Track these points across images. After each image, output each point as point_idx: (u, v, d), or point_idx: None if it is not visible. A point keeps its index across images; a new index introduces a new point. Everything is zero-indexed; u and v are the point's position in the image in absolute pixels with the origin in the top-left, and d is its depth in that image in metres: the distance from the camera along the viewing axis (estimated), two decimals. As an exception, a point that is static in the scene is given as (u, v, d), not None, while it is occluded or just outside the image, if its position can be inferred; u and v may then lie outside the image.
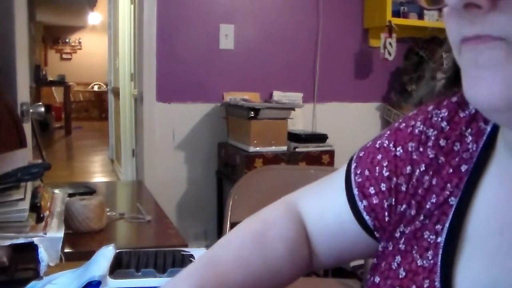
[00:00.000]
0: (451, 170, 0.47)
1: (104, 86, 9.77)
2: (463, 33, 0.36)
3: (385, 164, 0.52)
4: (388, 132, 0.55)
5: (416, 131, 0.51)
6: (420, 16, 2.98)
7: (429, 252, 0.45)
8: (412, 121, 0.52)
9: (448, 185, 0.46)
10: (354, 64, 3.06)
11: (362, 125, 3.11)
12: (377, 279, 0.50)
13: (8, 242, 1.07)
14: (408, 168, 0.50)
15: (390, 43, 2.88)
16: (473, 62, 0.36)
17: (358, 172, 0.54)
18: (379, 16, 2.89)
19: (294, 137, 2.52)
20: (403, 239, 0.49)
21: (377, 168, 0.53)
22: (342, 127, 2.98)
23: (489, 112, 0.38)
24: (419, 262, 0.46)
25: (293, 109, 2.51)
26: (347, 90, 3.06)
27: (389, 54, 2.89)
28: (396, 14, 2.90)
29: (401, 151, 0.51)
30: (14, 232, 1.10)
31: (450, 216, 0.45)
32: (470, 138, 0.47)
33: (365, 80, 3.10)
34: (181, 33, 2.63)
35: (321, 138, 2.58)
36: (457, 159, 0.47)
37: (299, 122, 2.83)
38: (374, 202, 0.52)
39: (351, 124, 3.05)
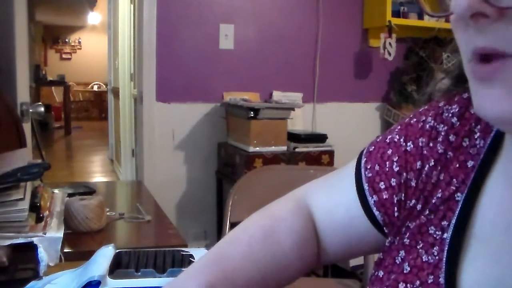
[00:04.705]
0: (457, 165, 0.47)
1: (104, 86, 9.77)
2: (474, 43, 0.35)
3: (395, 159, 0.52)
4: (399, 127, 0.54)
5: (427, 126, 0.51)
6: (420, 16, 2.98)
7: (435, 248, 0.45)
8: (423, 116, 0.52)
9: (454, 180, 0.46)
10: (354, 64, 3.06)
11: (362, 125, 3.11)
12: (380, 274, 0.50)
13: (7, 242, 1.07)
14: (418, 163, 0.50)
15: (390, 43, 2.88)
16: (483, 80, 0.36)
17: (368, 167, 0.54)
18: (379, 16, 2.89)
19: (294, 137, 2.52)
20: (407, 234, 0.49)
21: (387, 163, 0.53)
22: (342, 127, 2.99)
23: (499, 125, 0.39)
24: (424, 258, 0.46)
25: (292, 109, 2.51)
26: (347, 90, 3.06)
27: (389, 54, 2.89)
28: (396, 14, 2.90)
29: (412, 146, 0.51)
30: (13, 232, 1.10)
31: (457, 212, 0.45)
32: (478, 134, 0.47)
33: (365, 80, 3.10)
34: (181, 33, 2.63)
35: (321, 138, 2.58)
36: (464, 155, 0.47)
37: (298, 122, 2.83)
38: (384, 197, 0.52)
39: (351, 124, 3.05)
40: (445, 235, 0.45)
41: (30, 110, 1.80)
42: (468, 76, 0.39)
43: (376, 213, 0.53)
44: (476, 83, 0.37)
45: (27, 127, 1.77)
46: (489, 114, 0.36)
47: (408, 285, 0.46)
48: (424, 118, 0.52)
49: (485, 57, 0.35)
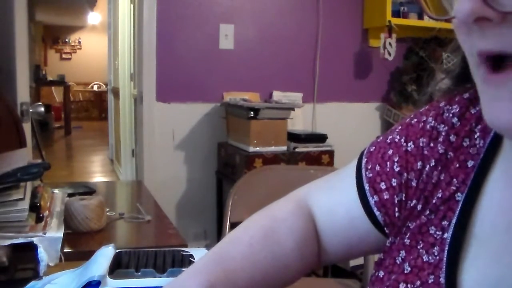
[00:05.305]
0: (458, 165, 0.47)
1: (104, 86, 9.77)
2: (478, 46, 0.35)
3: (396, 159, 0.52)
4: (400, 127, 0.54)
5: (428, 126, 0.51)
6: (420, 16, 2.98)
7: (435, 248, 0.45)
8: (424, 116, 0.52)
9: (455, 180, 0.46)
10: (354, 64, 3.06)
11: (362, 125, 3.11)
12: (381, 274, 0.50)
13: (7, 242, 1.07)
14: (419, 163, 0.50)
15: (390, 43, 2.88)
16: (493, 93, 0.36)
17: (369, 167, 0.54)
18: (379, 16, 2.89)
19: (294, 137, 2.52)
20: (408, 234, 0.49)
21: (388, 163, 0.53)
22: (342, 127, 2.99)
23: (508, 135, 0.39)
24: (425, 258, 0.46)
25: (292, 109, 2.51)
26: (347, 90, 3.06)
27: (389, 54, 2.89)
28: (396, 14, 2.90)
29: (412, 146, 0.51)
30: (13, 232, 1.10)
31: (457, 212, 0.45)
32: (478, 134, 0.47)
33: (365, 80, 3.10)
34: (181, 33, 2.63)
35: (321, 138, 2.58)
36: (464, 155, 0.47)
37: (298, 122, 2.83)
38: (385, 197, 0.52)
39: (351, 124, 3.05)
40: (445, 235, 0.45)
41: (30, 110, 1.80)
42: (477, 82, 0.38)
43: (377, 213, 0.53)
44: (487, 92, 0.37)
45: (27, 127, 1.77)
46: (502, 126, 0.36)
47: (408, 285, 0.46)
48: (424, 118, 0.52)
49: (494, 62, 0.35)
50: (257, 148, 2.38)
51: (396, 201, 0.51)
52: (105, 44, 6.31)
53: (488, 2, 0.32)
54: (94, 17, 9.73)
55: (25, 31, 1.83)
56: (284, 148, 2.45)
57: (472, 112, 0.48)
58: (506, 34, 0.33)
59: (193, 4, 2.64)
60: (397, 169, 0.52)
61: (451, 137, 0.48)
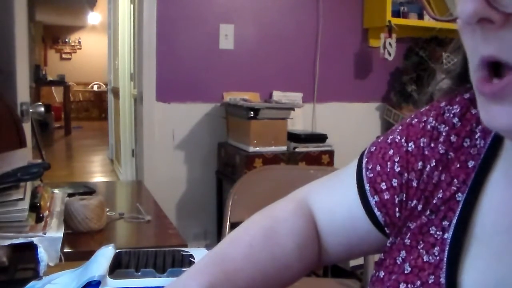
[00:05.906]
0: (458, 166, 0.47)
1: (104, 86, 9.77)
2: (480, 51, 0.35)
3: (396, 159, 0.52)
4: (400, 128, 0.54)
5: (428, 126, 0.51)
6: (420, 16, 2.98)
7: (436, 248, 0.46)
8: (425, 116, 0.52)
9: (455, 180, 0.47)
10: (354, 64, 3.06)
11: (362, 125, 3.11)
12: (381, 274, 0.50)
13: (7, 242, 1.07)
14: (420, 163, 0.50)
15: (390, 43, 2.88)
16: (493, 97, 0.36)
17: (370, 167, 0.54)
18: (379, 16, 2.89)
19: (294, 137, 2.52)
20: (408, 234, 0.49)
21: (388, 163, 0.53)
22: (342, 127, 2.99)
23: (508, 136, 0.39)
24: (425, 258, 0.46)
25: (292, 109, 2.51)
26: (347, 90, 3.06)
27: (389, 54, 2.89)
28: (396, 14, 2.90)
29: (413, 146, 0.51)
30: (13, 232, 1.10)
31: (458, 212, 0.45)
32: (478, 134, 0.47)
33: (365, 80, 3.10)
34: (181, 33, 2.63)
35: (321, 138, 2.58)
36: (465, 155, 0.47)
37: (298, 122, 2.83)
38: (385, 197, 0.52)
39: (350, 124, 3.05)
40: (446, 235, 0.45)
41: (30, 110, 1.80)
42: (474, 88, 0.38)
43: (377, 213, 0.53)
44: (484, 99, 0.37)
45: (27, 127, 1.77)
46: (499, 128, 0.37)
47: (409, 285, 0.46)
48: (425, 119, 0.52)
49: (492, 68, 0.35)
50: (257, 148, 2.38)
51: (396, 201, 0.51)
52: (105, 44, 6.30)
53: (491, 3, 0.32)
54: (94, 17, 9.73)
55: (25, 31, 1.82)
56: (284, 148, 2.45)
57: (473, 113, 0.48)
58: (507, 39, 0.33)
59: (193, 4, 2.64)
60: (397, 169, 0.52)
61: (451, 137, 0.49)
